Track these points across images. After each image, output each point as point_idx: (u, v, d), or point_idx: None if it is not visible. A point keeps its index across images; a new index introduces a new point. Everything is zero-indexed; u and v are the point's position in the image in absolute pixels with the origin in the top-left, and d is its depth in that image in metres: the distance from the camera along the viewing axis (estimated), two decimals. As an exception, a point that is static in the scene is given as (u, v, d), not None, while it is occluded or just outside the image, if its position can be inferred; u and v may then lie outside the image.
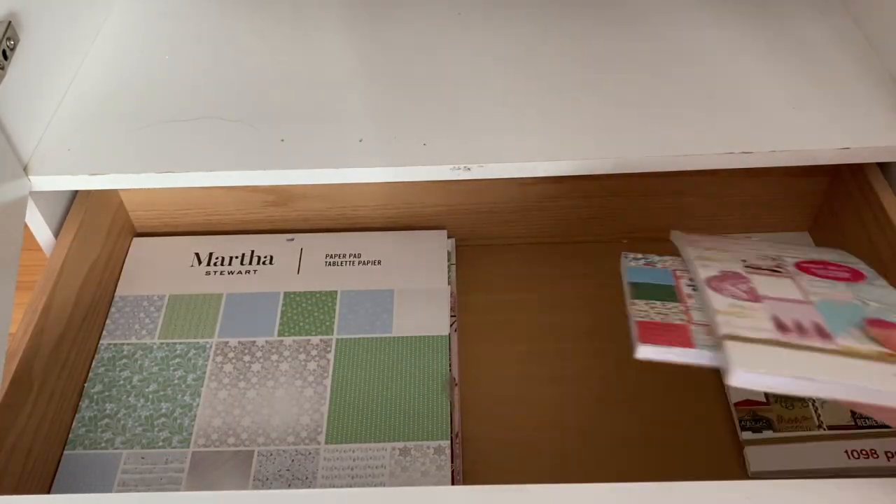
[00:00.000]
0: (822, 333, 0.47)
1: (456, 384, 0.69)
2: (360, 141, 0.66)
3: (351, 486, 0.62)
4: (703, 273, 0.54)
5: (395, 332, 0.71)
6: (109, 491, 0.62)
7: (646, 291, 0.57)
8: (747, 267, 0.55)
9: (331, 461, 0.63)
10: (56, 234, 0.69)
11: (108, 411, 0.67)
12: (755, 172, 0.76)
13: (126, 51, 0.76)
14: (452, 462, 0.63)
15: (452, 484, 0.62)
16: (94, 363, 0.70)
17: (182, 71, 0.73)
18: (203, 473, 0.63)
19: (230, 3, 0.81)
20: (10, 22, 0.61)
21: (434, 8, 0.80)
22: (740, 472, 0.64)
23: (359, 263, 0.77)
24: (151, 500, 0.51)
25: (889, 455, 0.63)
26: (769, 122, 0.65)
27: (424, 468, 0.63)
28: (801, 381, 0.44)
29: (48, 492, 0.62)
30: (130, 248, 0.78)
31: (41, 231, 0.68)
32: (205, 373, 0.69)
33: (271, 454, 0.64)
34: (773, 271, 0.55)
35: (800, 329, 0.47)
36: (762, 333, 0.47)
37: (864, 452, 0.63)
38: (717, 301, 0.50)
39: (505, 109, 0.68)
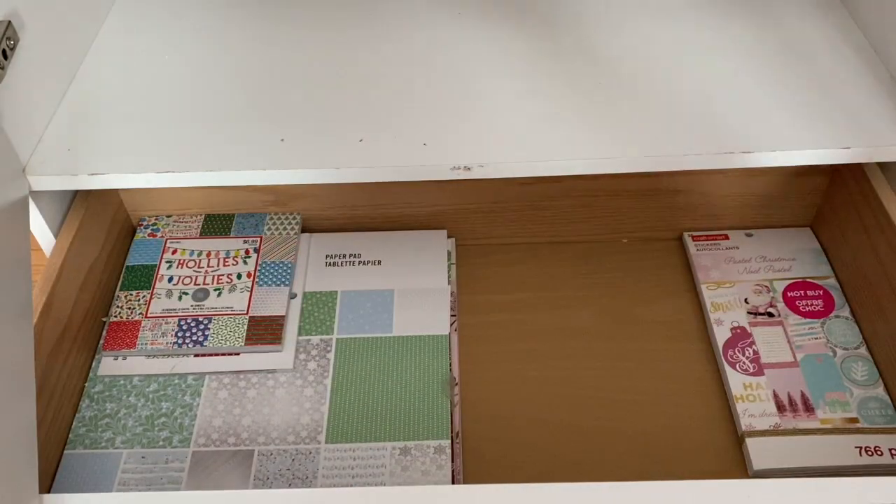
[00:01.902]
0: (807, 407, 0.66)
1: (456, 384, 0.69)
2: (360, 141, 0.66)
3: (351, 486, 0.62)
4: (720, 335, 0.72)
5: (395, 331, 0.72)
6: (110, 490, 0.62)
7: (132, 279, 0.73)
8: (749, 313, 0.73)
9: (331, 461, 0.63)
10: (56, 234, 0.69)
11: (108, 411, 0.67)
12: (755, 172, 0.76)
13: (126, 51, 0.76)
14: (453, 461, 0.63)
15: (453, 483, 0.62)
16: (94, 363, 0.70)
17: (182, 71, 0.73)
18: (203, 473, 0.63)
19: (230, 3, 0.81)
20: (9, 22, 0.61)
21: (434, 8, 0.80)
22: (743, 470, 0.64)
23: (359, 263, 0.77)
24: (152, 499, 0.51)
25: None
26: (769, 122, 0.65)
27: (425, 468, 0.63)
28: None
29: (48, 491, 0.62)
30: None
31: (41, 231, 0.68)
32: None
33: (271, 454, 0.64)
34: (769, 315, 0.73)
35: (792, 407, 0.66)
36: (769, 421, 0.65)
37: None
38: (734, 382, 0.69)
39: (505, 109, 0.68)
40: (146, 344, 0.69)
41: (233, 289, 0.72)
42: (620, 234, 0.81)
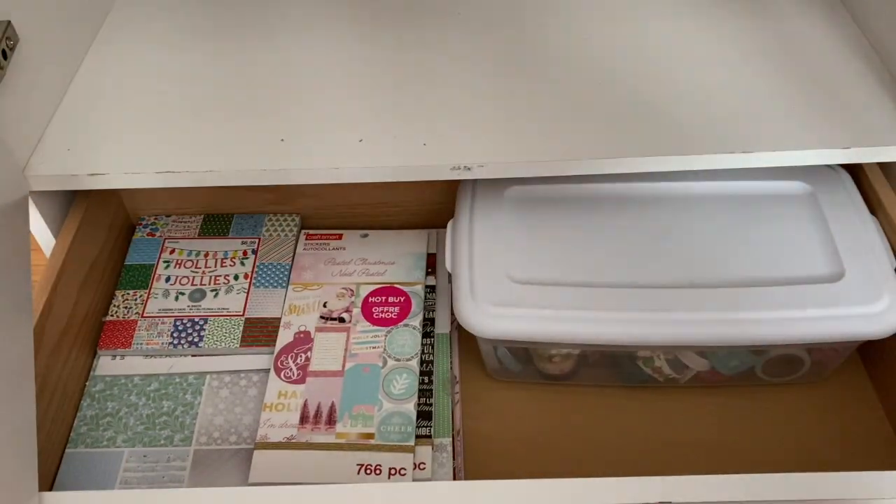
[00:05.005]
0: (330, 420, 0.63)
1: (457, 382, 0.69)
2: (360, 141, 0.66)
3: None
4: (279, 345, 0.69)
5: (396, 330, 0.72)
6: (111, 489, 0.62)
7: (130, 278, 0.73)
8: (322, 318, 0.70)
9: (332, 460, 0.63)
10: (56, 234, 0.69)
11: (109, 410, 0.67)
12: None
13: (125, 50, 0.76)
14: (454, 459, 0.64)
15: (454, 480, 0.62)
16: (94, 362, 0.70)
17: (181, 70, 0.73)
18: (205, 471, 0.63)
19: (229, 2, 0.81)
20: (9, 22, 0.61)
21: (433, 8, 0.80)
22: (738, 468, 0.64)
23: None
24: (154, 497, 0.51)
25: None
26: (769, 122, 0.65)
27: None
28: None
29: (50, 489, 0.62)
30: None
31: (41, 231, 0.68)
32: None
33: (272, 453, 0.64)
34: (340, 321, 0.70)
35: (315, 419, 0.63)
36: (285, 433, 0.63)
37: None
38: (271, 390, 0.66)
39: (505, 109, 0.68)
40: (142, 343, 0.69)
41: (229, 290, 0.72)
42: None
